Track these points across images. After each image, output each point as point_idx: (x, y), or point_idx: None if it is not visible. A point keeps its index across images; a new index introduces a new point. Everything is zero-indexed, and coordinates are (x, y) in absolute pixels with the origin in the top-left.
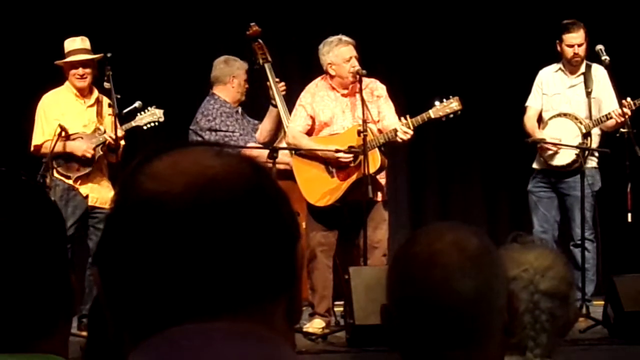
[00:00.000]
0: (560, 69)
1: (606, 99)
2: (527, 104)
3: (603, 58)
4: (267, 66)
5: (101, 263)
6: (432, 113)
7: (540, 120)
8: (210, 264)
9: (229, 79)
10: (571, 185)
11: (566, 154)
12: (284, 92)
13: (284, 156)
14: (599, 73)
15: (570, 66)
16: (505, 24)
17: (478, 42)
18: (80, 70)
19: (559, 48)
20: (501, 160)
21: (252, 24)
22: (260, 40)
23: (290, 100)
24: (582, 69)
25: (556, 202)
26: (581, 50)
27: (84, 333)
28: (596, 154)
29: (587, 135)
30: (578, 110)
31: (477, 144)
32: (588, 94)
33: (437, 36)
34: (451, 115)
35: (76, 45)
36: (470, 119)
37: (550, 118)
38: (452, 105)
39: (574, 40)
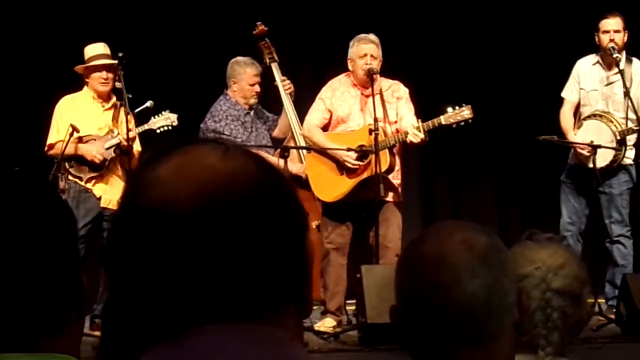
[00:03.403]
0: (598, 62)
1: None
2: (562, 94)
3: (615, 56)
4: (273, 66)
5: (108, 267)
6: (443, 119)
7: (577, 113)
8: (221, 270)
9: (230, 82)
10: (606, 182)
11: (601, 156)
12: (290, 90)
13: (289, 163)
14: (639, 70)
15: (608, 58)
16: (515, 28)
17: (490, 44)
18: (104, 74)
19: (597, 39)
20: (512, 160)
21: (259, 23)
22: (267, 40)
23: (304, 100)
24: (621, 65)
25: (587, 197)
26: (617, 37)
27: (97, 333)
28: (633, 150)
29: (621, 142)
30: (615, 109)
31: (488, 144)
32: (625, 93)
33: (450, 39)
34: (462, 123)
35: (99, 50)
36: (482, 119)
37: (585, 118)
38: (464, 113)
39: (610, 26)
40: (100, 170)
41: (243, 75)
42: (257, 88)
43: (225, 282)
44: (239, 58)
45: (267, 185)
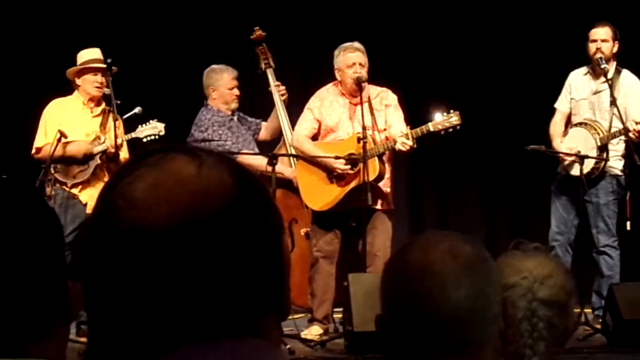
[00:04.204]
0: (588, 72)
1: (632, 108)
2: (555, 105)
3: (602, 67)
4: (269, 72)
5: (84, 282)
6: (431, 126)
7: (569, 123)
8: (202, 286)
9: (209, 91)
10: (592, 192)
11: (584, 164)
12: (284, 97)
13: (281, 167)
14: (628, 80)
15: (597, 68)
16: (505, 37)
17: (479, 52)
18: (100, 78)
19: (587, 49)
20: (501, 168)
21: (256, 28)
22: (264, 45)
23: (292, 107)
24: (610, 74)
25: (576, 207)
26: (605, 47)
27: (83, 339)
28: (622, 160)
29: (603, 148)
30: (601, 118)
31: (476, 153)
32: (612, 102)
33: (439, 46)
34: (450, 130)
35: (96, 55)
36: (471, 128)
37: (572, 126)
38: (452, 119)
39: (598, 35)
40: (89, 167)
41: (221, 81)
42: (236, 91)
43: (207, 298)
44: (214, 66)
45: (243, 195)
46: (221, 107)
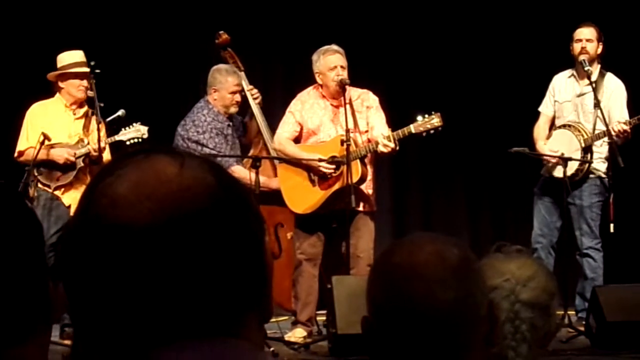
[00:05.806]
0: (572, 74)
1: (615, 111)
2: (539, 109)
3: (586, 69)
4: (240, 75)
5: (66, 282)
6: (412, 128)
7: (553, 126)
8: (184, 285)
9: (211, 91)
10: (575, 194)
11: (568, 165)
12: (258, 99)
13: (265, 180)
14: (612, 83)
15: (581, 69)
16: (488, 39)
17: (462, 53)
18: (85, 82)
19: (571, 49)
20: (484, 170)
21: (221, 32)
22: (230, 49)
23: (275, 110)
24: (594, 76)
25: (559, 209)
26: (590, 47)
27: (67, 342)
28: (606, 163)
29: (587, 149)
30: (585, 120)
31: (460, 155)
32: (596, 104)
33: (421, 48)
34: (432, 131)
35: (78, 58)
36: (453, 129)
37: (556, 129)
38: (433, 121)
39: (583, 35)
40: (73, 170)
41: (224, 84)
42: (237, 97)
43: (188, 296)
44: (221, 66)
45: (224, 195)
46: (220, 109)
